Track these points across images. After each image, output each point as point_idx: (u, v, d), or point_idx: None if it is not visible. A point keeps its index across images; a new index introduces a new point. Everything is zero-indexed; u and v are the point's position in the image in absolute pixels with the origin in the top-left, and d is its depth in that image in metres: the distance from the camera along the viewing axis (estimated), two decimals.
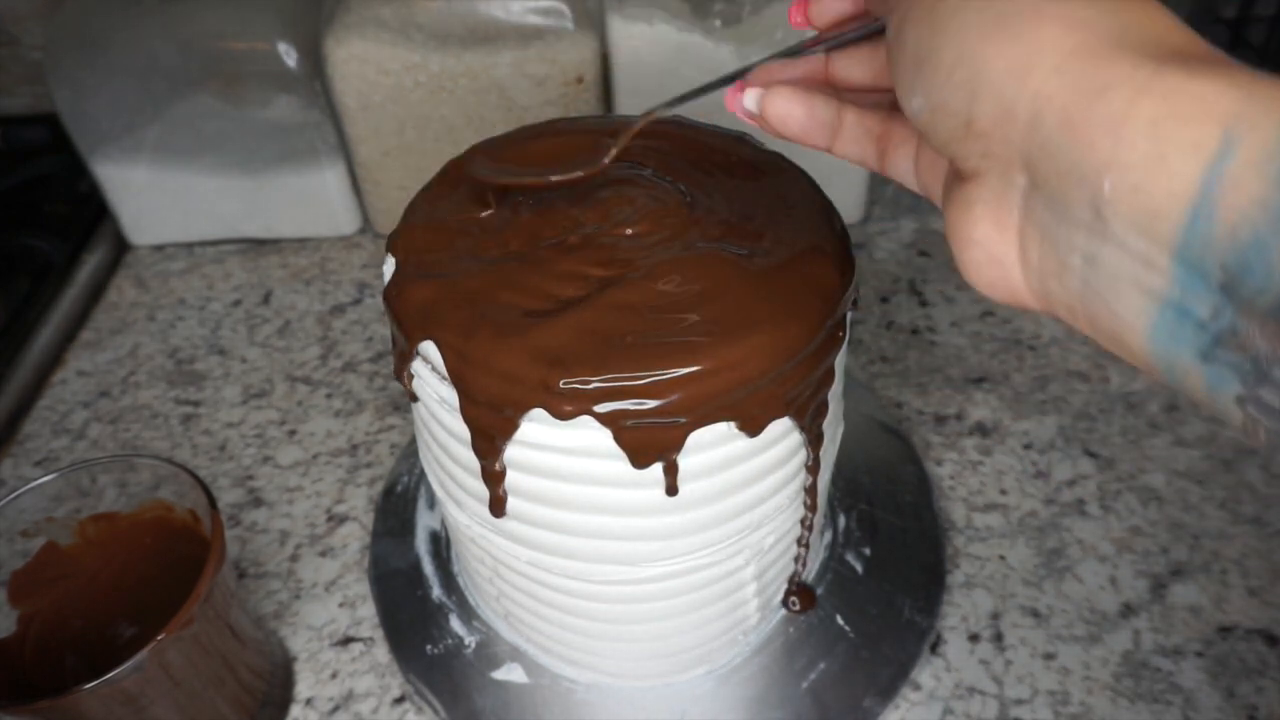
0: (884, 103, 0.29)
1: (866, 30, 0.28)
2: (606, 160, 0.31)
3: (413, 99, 0.56)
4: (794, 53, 0.29)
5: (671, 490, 0.31)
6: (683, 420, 0.29)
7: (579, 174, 0.32)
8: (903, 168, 0.28)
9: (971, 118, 0.21)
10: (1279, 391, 0.17)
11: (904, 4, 0.23)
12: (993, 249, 0.22)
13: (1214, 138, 0.17)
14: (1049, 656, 0.40)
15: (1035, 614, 0.42)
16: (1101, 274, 0.19)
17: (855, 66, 0.29)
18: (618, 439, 0.29)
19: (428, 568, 0.43)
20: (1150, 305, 0.19)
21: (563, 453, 0.30)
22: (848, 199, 0.61)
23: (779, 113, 0.28)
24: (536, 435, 0.30)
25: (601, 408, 0.28)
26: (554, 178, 0.32)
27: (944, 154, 0.23)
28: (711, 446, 0.30)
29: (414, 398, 0.34)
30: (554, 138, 0.35)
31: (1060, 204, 0.20)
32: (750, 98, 0.29)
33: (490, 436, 0.30)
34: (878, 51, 0.29)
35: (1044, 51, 0.20)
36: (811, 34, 0.29)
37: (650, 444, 0.29)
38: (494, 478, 0.32)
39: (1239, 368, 0.18)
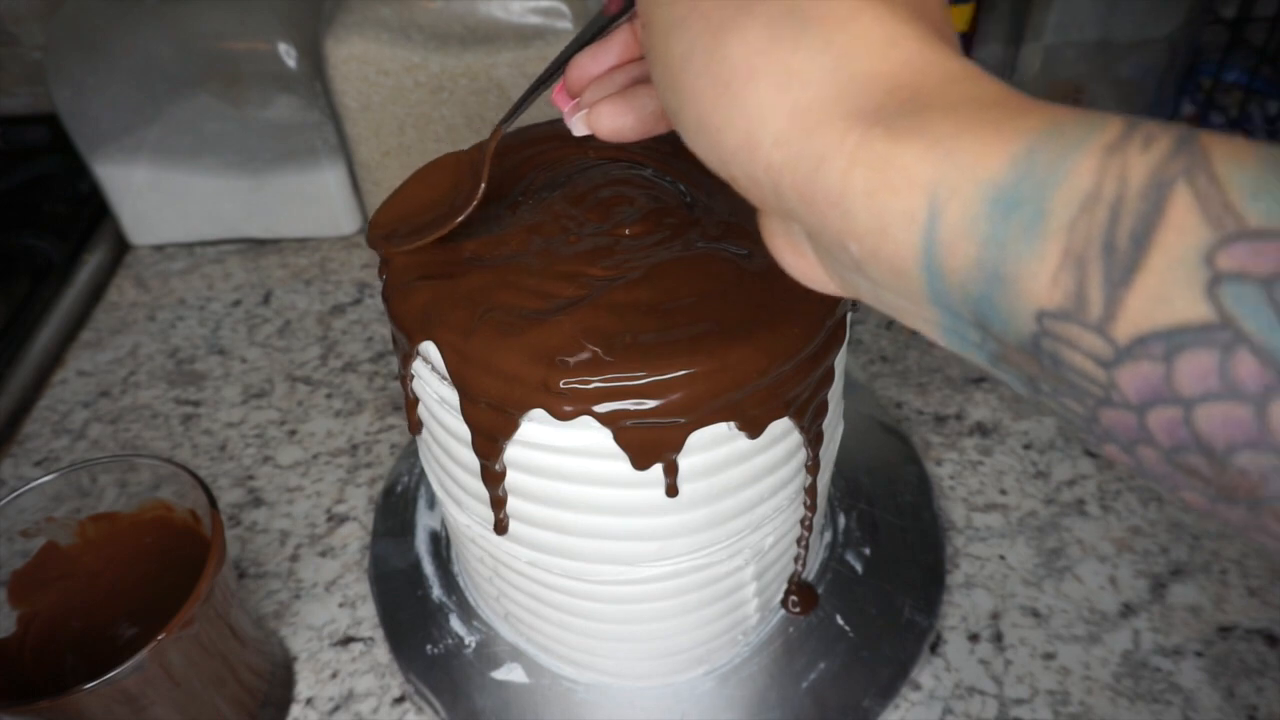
0: None
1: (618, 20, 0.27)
2: (478, 198, 0.31)
3: (413, 99, 0.56)
4: (601, 29, 0.28)
5: (671, 491, 0.31)
6: (682, 420, 0.29)
7: (461, 218, 0.32)
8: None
9: (730, 177, 0.21)
10: (1057, 401, 0.18)
11: (646, 50, 0.22)
12: (803, 271, 0.23)
13: (922, 207, 0.17)
14: (1049, 656, 0.40)
15: (1035, 614, 0.42)
16: (888, 305, 0.20)
17: None
18: (618, 439, 0.29)
19: (428, 568, 0.43)
20: (935, 329, 0.19)
21: (563, 453, 0.30)
22: None
23: (611, 128, 0.27)
24: (536, 435, 0.30)
25: (601, 408, 0.28)
26: (449, 225, 0.32)
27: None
28: (711, 447, 0.30)
29: (413, 403, 0.34)
30: (437, 173, 0.35)
31: (830, 254, 0.21)
32: (577, 125, 0.28)
33: (491, 436, 0.30)
34: None
35: (764, 120, 0.19)
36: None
37: (650, 444, 0.29)
38: (494, 477, 0.32)
39: (1020, 380, 0.18)
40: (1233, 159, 0.15)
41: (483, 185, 0.32)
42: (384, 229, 0.33)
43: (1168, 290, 0.15)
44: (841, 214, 0.19)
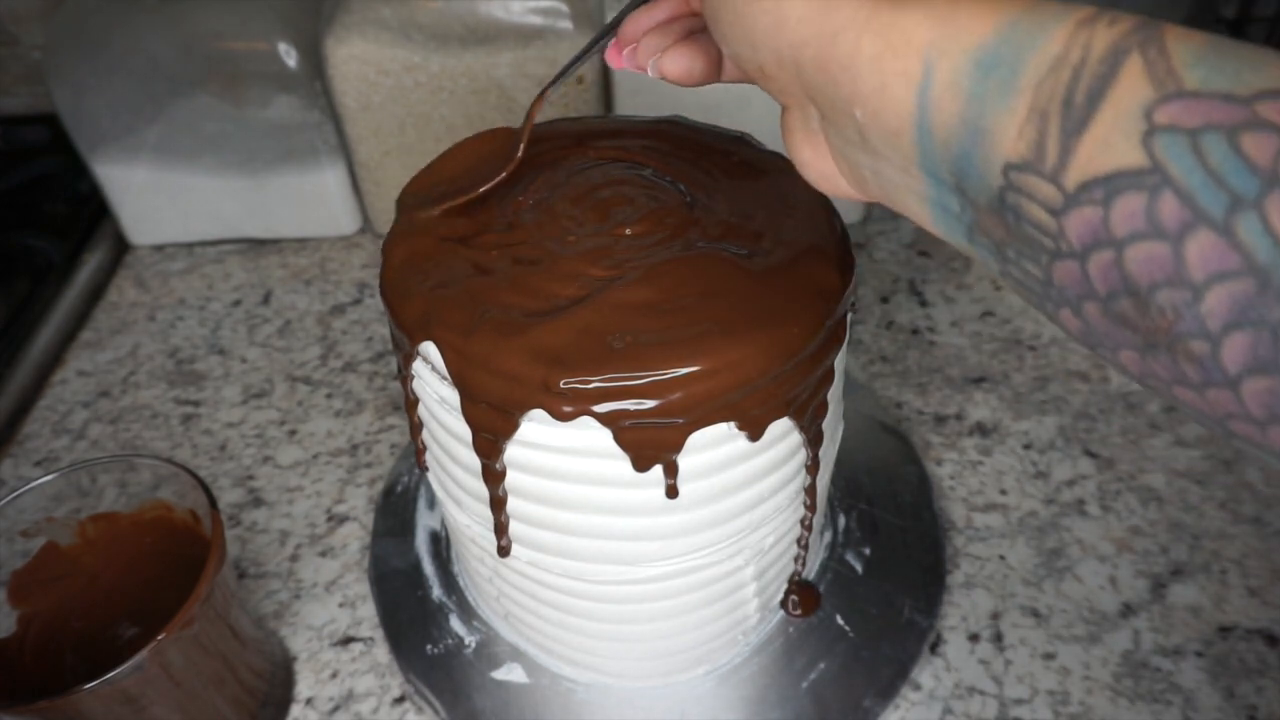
0: None
1: None
2: (515, 161, 0.33)
3: (413, 99, 0.56)
4: None
5: (671, 492, 0.31)
6: (682, 421, 0.29)
7: (502, 175, 0.33)
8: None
9: (759, 65, 0.24)
10: (1020, 267, 0.21)
11: None
12: (816, 165, 0.25)
13: (917, 66, 0.20)
14: (1049, 656, 0.40)
15: (1035, 614, 0.42)
16: (885, 182, 0.23)
17: None
18: (618, 439, 0.29)
19: (428, 568, 0.43)
20: (922, 203, 0.22)
21: (563, 453, 0.30)
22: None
23: (681, 69, 0.30)
24: (537, 435, 0.30)
25: (601, 408, 0.28)
26: (482, 188, 0.33)
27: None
28: (711, 447, 0.30)
29: (413, 403, 0.34)
30: (482, 144, 0.36)
31: (838, 130, 0.23)
32: (651, 68, 0.30)
33: (491, 436, 0.30)
34: None
35: (792, 3, 0.22)
36: None
37: (650, 444, 0.29)
38: (494, 477, 0.32)
39: (990, 249, 0.21)
40: (1182, 37, 0.17)
41: (520, 148, 0.33)
42: (416, 195, 0.34)
43: (1111, 140, 0.17)
44: (851, 78, 0.21)
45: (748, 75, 0.26)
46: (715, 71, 0.30)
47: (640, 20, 0.31)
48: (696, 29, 0.30)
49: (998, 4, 0.19)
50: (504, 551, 0.34)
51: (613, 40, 0.31)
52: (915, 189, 0.22)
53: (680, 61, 0.30)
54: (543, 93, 0.32)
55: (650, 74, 0.30)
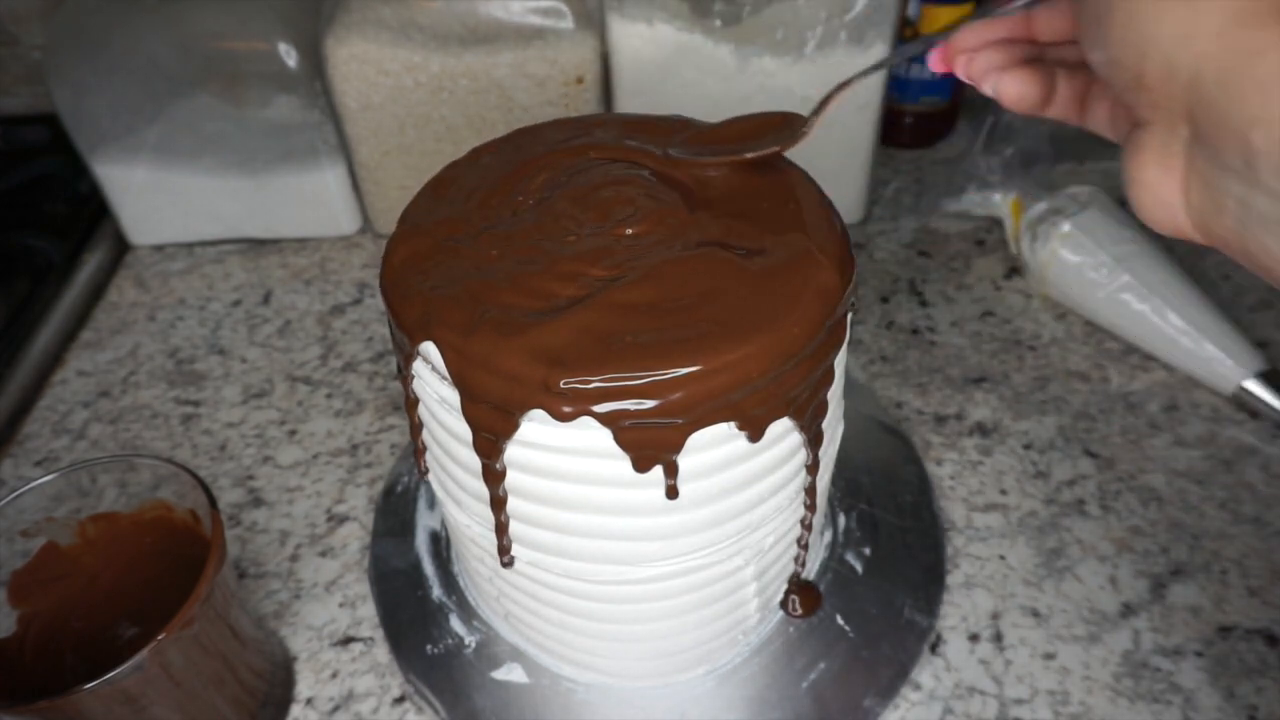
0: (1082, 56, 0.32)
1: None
2: (808, 131, 0.33)
3: (413, 99, 0.56)
4: (986, 14, 0.31)
5: (671, 492, 0.31)
6: (682, 420, 0.29)
7: (775, 149, 0.34)
8: (1100, 119, 0.31)
9: (1141, 73, 0.24)
10: None
11: None
12: (1159, 190, 0.25)
13: None
14: (1049, 656, 0.40)
15: (1035, 614, 0.42)
16: (1253, 215, 0.22)
17: (1057, 18, 0.31)
18: (618, 439, 0.29)
19: (428, 568, 0.43)
20: None
21: (563, 453, 0.30)
22: (848, 199, 0.61)
23: (1016, 94, 0.31)
24: (537, 435, 0.30)
25: (601, 408, 0.28)
26: (749, 154, 0.34)
27: (1121, 102, 0.26)
28: (711, 447, 0.30)
29: (413, 403, 0.34)
30: (742, 123, 0.36)
31: (1216, 153, 0.23)
32: (990, 85, 0.31)
33: (491, 436, 0.30)
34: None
35: (1208, 16, 0.22)
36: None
37: (650, 444, 0.29)
38: (494, 477, 0.32)
39: None
40: None
41: (815, 120, 0.33)
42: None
43: None
44: (1264, 99, 0.21)
45: (1117, 83, 0.25)
46: (1046, 103, 0.31)
47: (978, 32, 0.31)
48: (1032, 56, 0.31)
49: None
50: (504, 551, 0.34)
51: (939, 45, 0.32)
52: None
53: (1018, 86, 0.30)
54: (846, 82, 0.33)
55: (987, 90, 0.31)
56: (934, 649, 0.41)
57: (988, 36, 0.32)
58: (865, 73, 0.34)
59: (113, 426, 0.53)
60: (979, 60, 0.31)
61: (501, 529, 0.34)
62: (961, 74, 0.32)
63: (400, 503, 0.46)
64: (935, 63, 0.33)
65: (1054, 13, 0.31)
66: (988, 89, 0.31)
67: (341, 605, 0.44)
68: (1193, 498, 0.46)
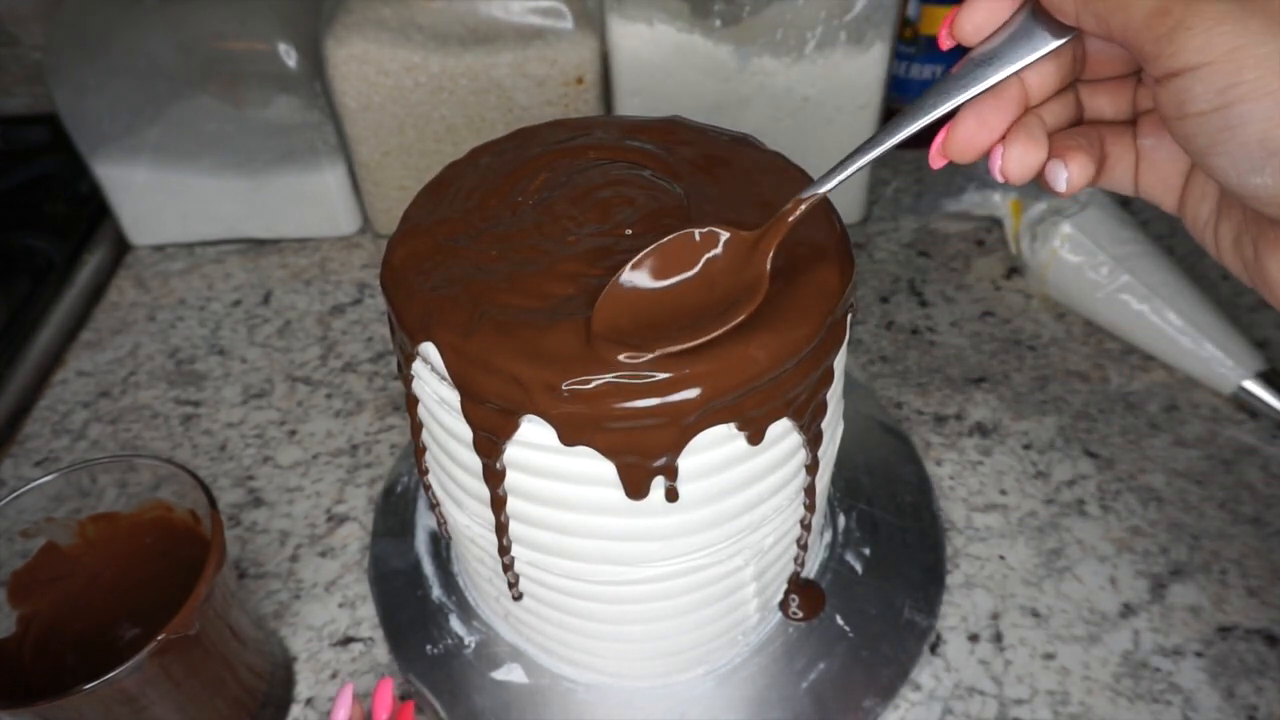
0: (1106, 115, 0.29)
1: (1055, 47, 0.26)
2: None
3: (413, 99, 0.56)
4: (971, 82, 0.27)
5: (671, 494, 0.31)
6: (682, 422, 0.29)
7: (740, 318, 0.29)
8: (1120, 181, 0.29)
9: (1273, 190, 0.23)
10: None
11: (1232, 72, 0.23)
12: None
13: None
14: (1049, 656, 0.40)
15: (1035, 614, 0.42)
16: None
17: (1108, 104, 0.29)
18: (618, 438, 0.29)
19: (428, 568, 0.43)
20: None
21: (563, 453, 0.30)
22: (848, 199, 0.61)
23: (1021, 169, 0.27)
24: (536, 435, 0.30)
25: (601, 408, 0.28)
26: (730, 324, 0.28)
27: (1268, 214, 0.24)
28: (711, 448, 0.30)
29: (413, 403, 0.34)
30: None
31: None
32: (1057, 178, 0.27)
33: (491, 436, 0.30)
34: (1126, 89, 0.29)
35: None
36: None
37: (650, 445, 0.29)
38: (494, 477, 0.32)
39: None
40: None
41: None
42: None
43: None
44: None
45: (1268, 206, 0.23)
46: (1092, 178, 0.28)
47: (989, 120, 0.27)
48: (1057, 126, 0.28)
49: None
50: (504, 551, 0.34)
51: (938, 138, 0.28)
52: None
53: (1077, 173, 0.27)
54: (802, 200, 0.29)
55: (1059, 187, 0.27)
56: (934, 649, 0.41)
57: (1002, 123, 0.27)
58: (840, 181, 0.29)
59: (113, 426, 0.53)
60: (1014, 152, 0.27)
61: (501, 529, 0.34)
62: (998, 175, 0.27)
63: (400, 503, 0.46)
64: (935, 158, 0.28)
65: (1105, 98, 0.29)
66: (1058, 184, 0.27)
67: (341, 605, 0.44)
68: (1192, 498, 0.46)
